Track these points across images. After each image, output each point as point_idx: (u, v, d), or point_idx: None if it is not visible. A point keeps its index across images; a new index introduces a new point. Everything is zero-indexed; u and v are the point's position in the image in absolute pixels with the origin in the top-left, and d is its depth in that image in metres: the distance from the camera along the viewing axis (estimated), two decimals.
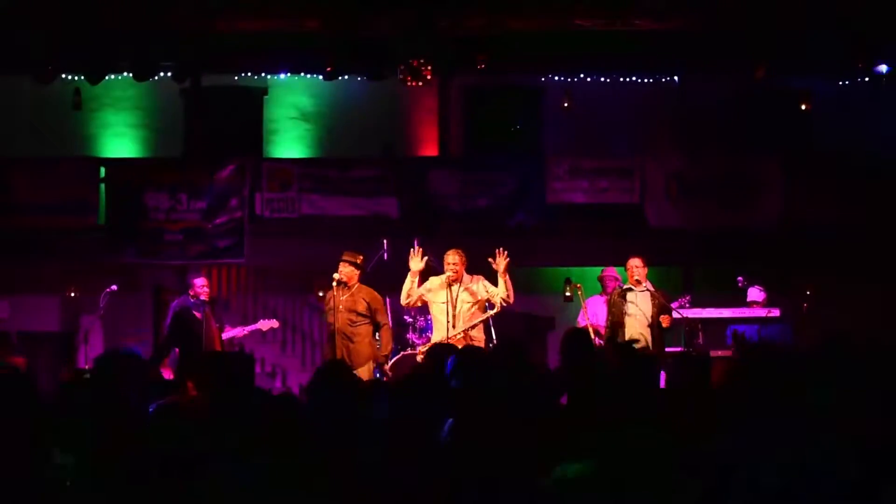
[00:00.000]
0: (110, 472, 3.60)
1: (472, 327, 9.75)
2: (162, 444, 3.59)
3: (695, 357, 7.15)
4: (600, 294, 11.59)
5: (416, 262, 10.04)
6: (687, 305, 11.21)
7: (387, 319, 10.22)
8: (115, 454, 3.62)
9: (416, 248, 10.18)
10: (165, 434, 3.64)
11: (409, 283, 10.01)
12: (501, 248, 9.79)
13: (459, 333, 9.62)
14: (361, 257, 10.23)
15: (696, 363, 6.76)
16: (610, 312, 10.61)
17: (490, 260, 9.81)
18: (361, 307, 10.00)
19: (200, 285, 10.96)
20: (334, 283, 10.02)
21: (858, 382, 3.08)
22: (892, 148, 13.82)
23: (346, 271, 10.06)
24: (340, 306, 9.95)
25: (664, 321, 10.27)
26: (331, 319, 10.04)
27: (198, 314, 10.79)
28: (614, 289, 10.89)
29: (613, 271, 11.34)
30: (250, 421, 3.82)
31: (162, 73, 13.21)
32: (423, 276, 10.17)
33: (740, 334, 11.40)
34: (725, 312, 11.80)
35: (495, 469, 3.37)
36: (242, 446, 3.51)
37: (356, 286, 10.07)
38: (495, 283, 9.90)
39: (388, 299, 10.54)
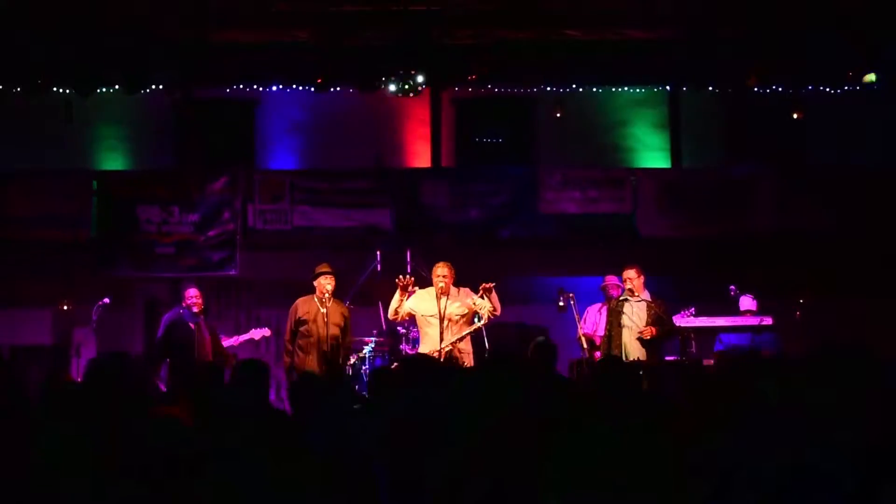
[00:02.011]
0: (108, 475, 3.59)
1: (461, 339, 9.71)
2: (162, 449, 3.58)
3: (687, 366, 7.17)
4: (602, 303, 11.55)
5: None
6: (692, 317, 11.20)
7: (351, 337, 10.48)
8: (113, 458, 3.61)
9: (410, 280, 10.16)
10: (166, 440, 3.63)
11: (397, 298, 9.98)
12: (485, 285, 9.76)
13: (448, 346, 9.58)
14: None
15: (687, 372, 6.81)
16: (608, 322, 10.58)
17: (480, 290, 9.76)
18: (341, 319, 10.17)
19: (192, 296, 10.93)
20: (327, 296, 10.04)
21: (858, 383, 3.09)
22: (887, 156, 13.85)
23: (333, 283, 10.09)
24: (327, 318, 10.01)
25: (644, 333, 10.11)
26: (322, 332, 10.03)
27: (191, 325, 10.76)
28: (611, 298, 10.89)
29: (616, 279, 11.22)
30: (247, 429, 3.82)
31: (153, 86, 13.20)
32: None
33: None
34: (718, 321, 11.75)
35: (496, 471, 3.37)
36: (242, 449, 3.51)
37: (332, 299, 10.14)
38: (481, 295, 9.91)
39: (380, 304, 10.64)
